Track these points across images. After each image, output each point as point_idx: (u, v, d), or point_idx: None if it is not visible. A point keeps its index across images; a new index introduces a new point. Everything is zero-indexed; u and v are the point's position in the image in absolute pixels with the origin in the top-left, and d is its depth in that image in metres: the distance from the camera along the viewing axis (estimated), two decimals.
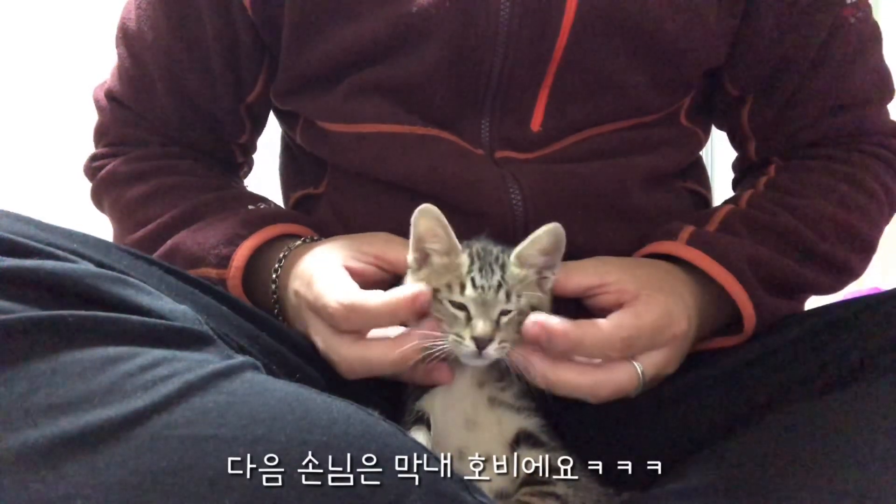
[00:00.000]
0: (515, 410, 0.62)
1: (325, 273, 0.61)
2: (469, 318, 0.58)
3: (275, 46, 0.74)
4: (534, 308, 0.60)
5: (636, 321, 0.58)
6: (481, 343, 0.57)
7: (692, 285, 0.65)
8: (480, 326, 0.57)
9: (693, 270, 0.66)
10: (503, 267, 0.60)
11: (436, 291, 0.59)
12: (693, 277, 0.66)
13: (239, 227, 0.69)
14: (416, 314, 0.58)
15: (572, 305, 0.63)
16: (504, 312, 0.59)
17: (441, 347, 0.58)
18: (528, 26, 0.66)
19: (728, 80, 0.78)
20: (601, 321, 0.58)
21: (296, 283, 0.64)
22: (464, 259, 0.60)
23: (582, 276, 0.62)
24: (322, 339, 0.61)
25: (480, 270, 0.59)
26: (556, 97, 0.70)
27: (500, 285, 0.59)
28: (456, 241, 0.60)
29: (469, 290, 0.59)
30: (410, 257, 0.62)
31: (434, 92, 0.69)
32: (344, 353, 0.59)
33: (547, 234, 0.59)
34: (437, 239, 0.60)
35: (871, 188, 0.75)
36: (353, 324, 0.59)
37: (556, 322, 0.57)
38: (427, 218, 0.60)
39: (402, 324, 0.60)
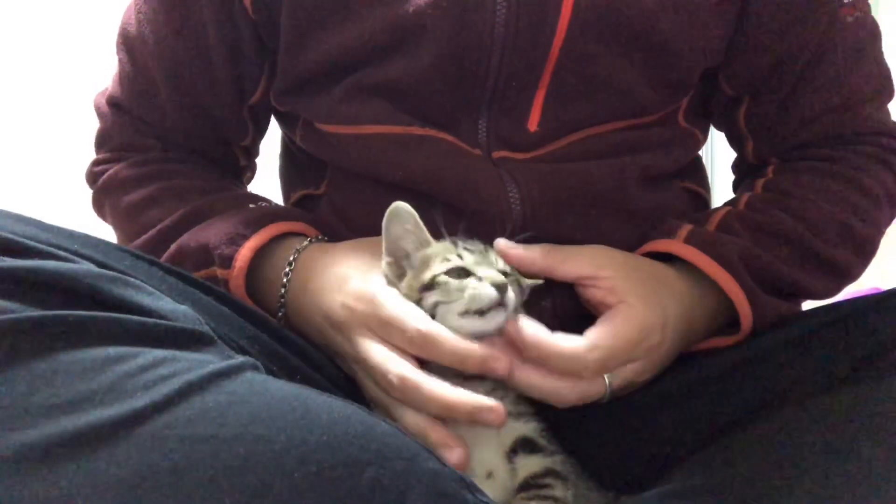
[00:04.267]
0: (514, 417, 0.61)
1: (394, 297, 0.60)
2: (478, 279, 0.59)
3: (275, 47, 0.74)
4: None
5: (612, 342, 0.59)
6: (501, 288, 0.58)
7: (682, 289, 0.65)
8: (490, 273, 0.59)
9: (690, 270, 0.66)
10: (486, 248, 0.63)
11: (432, 283, 0.60)
12: (690, 276, 0.66)
13: (241, 227, 0.69)
14: (481, 372, 0.58)
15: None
16: (504, 273, 0.60)
17: (463, 303, 0.58)
18: (524, 26, 0.66)
19: (724, 79, 0.78)
20: (577, 341, 0.58)
21: (347, 299, 0.62)
22: (445, 243, 0.63)
23: (579, 264, 0.63)
24: (383, 353, 0.59)
25: (465, 247, 0.62)
26: (554, 97, 0.70)
27: (487, 251, 0.62)
28: (426, 232, 0.63)
29: (467, 256, 0.61)
30: (384, 264, 0.63)
31: (431, 92, 0.69)
32: (405, 372, 0.58)
33: None
34: (412, 235, 0.62)
35: (871, 189, 0.75)
36: (425, 353, 0.58)
37: (531, 332, 0.57)
38: (399, 219, 0.62)
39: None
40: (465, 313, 0.58)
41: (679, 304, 0.64)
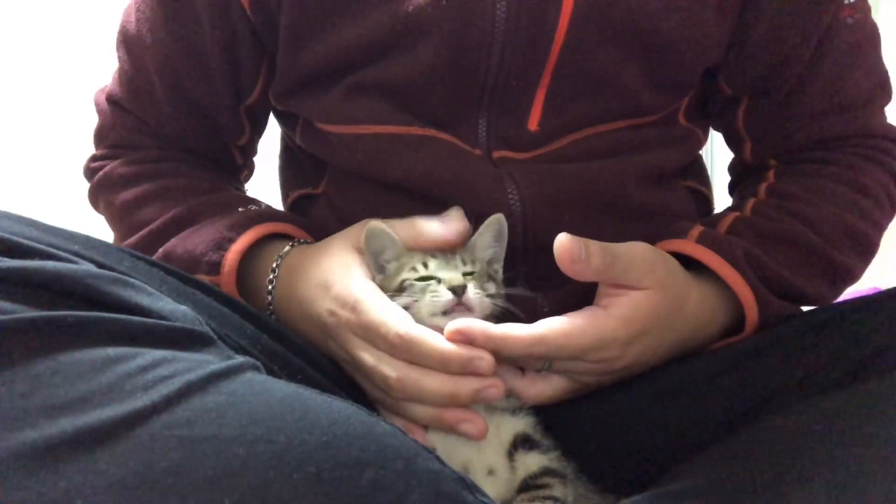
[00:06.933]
0: (511, 413, 0.62)
1: (376, 300, 0.61)
2: (439, 282, 0.62)
3: (273, 47, 0.74)
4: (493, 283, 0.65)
5: (564, 341, 0.59)
6: (457, 290, 0.60)
7: (693, 312, 0.65)
8: (450, 275, 0.62)
9: (699, 270, 0.66)
10: (452, 254, 0.66)
11: (401, 287, 0.62)
12: (699, 277, 0.66)
13: (226, 231, 0.69)
14: (465, 372, 0.58)
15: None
16: (466, 274, 0.63)
17: (426, 308, 0.60)
18: (524, 25, 0.66)
19: (723, 79, 0.78)
20: (526, 331, 0.59)
21: (332, 305, 0.63)
22: (416, 254, 0.65)
23: (630, 277, 0.61)
24: (375, 356, 0.60)
25: (433, 255, 0.65)
26: (554, 97, 0.70)
27: (454, 254, 0.65)
28: (401, 245, 0.66)
29: (431, 263, 0.64)
30: (378, 278, 0.65)
31: (431, 92, 0.69)
32: (400, 373, 0.59)
33: (492, 223, 0.65)
34: (389, 248, 0.65)
35: (873, 191, 0.75)
36: (408, 357, 0.59)
37: (479, 327, 0.58)
38: (375, 237, 0.64)
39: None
40: (432, 314, 0.61)
41: (671, 331, 0.64)
